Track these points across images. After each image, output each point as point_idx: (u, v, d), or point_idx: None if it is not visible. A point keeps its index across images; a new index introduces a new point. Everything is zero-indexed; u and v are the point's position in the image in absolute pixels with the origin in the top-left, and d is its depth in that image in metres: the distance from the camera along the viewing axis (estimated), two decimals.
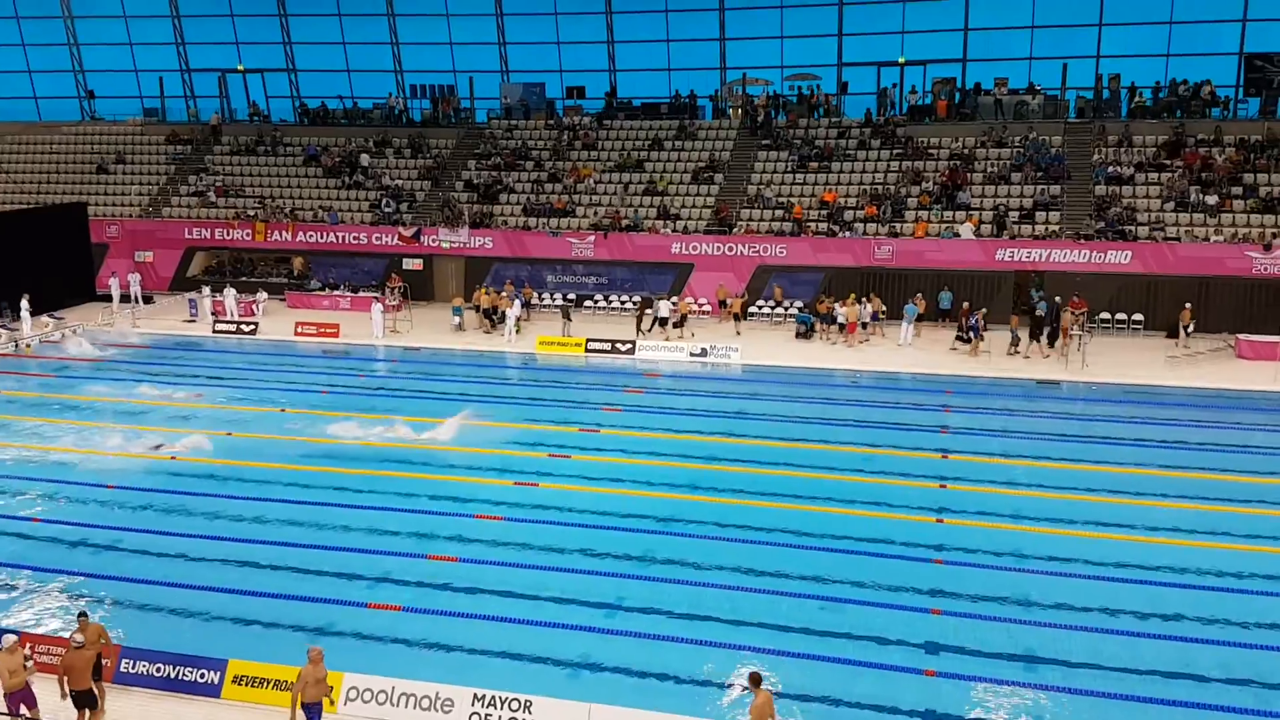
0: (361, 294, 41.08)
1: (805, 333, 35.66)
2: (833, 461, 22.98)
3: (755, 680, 12.21)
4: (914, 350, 33.59)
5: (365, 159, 46.67)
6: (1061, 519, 19.57)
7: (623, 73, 50.07)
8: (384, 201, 43.78)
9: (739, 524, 19.45)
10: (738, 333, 36.06)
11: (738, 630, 15.53)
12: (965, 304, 34.15)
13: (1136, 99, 41.52)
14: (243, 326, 37.57)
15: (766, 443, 24.47)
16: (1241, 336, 32.58)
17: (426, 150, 47.15)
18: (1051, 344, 32.55)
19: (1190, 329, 33.22)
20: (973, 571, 17.45)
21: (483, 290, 38.32)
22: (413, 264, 42.36)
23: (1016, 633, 15.40)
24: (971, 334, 32.89)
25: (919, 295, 35.18)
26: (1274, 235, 34.68)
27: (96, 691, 12.99)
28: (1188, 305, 33.47)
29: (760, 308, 38.45)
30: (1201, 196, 36.78)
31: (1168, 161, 38.61)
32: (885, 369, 31.69)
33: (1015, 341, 32.78)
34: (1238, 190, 36.88)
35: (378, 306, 36.73)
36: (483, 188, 44.10)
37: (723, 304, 38.84)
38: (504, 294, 38.01)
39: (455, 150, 47.03)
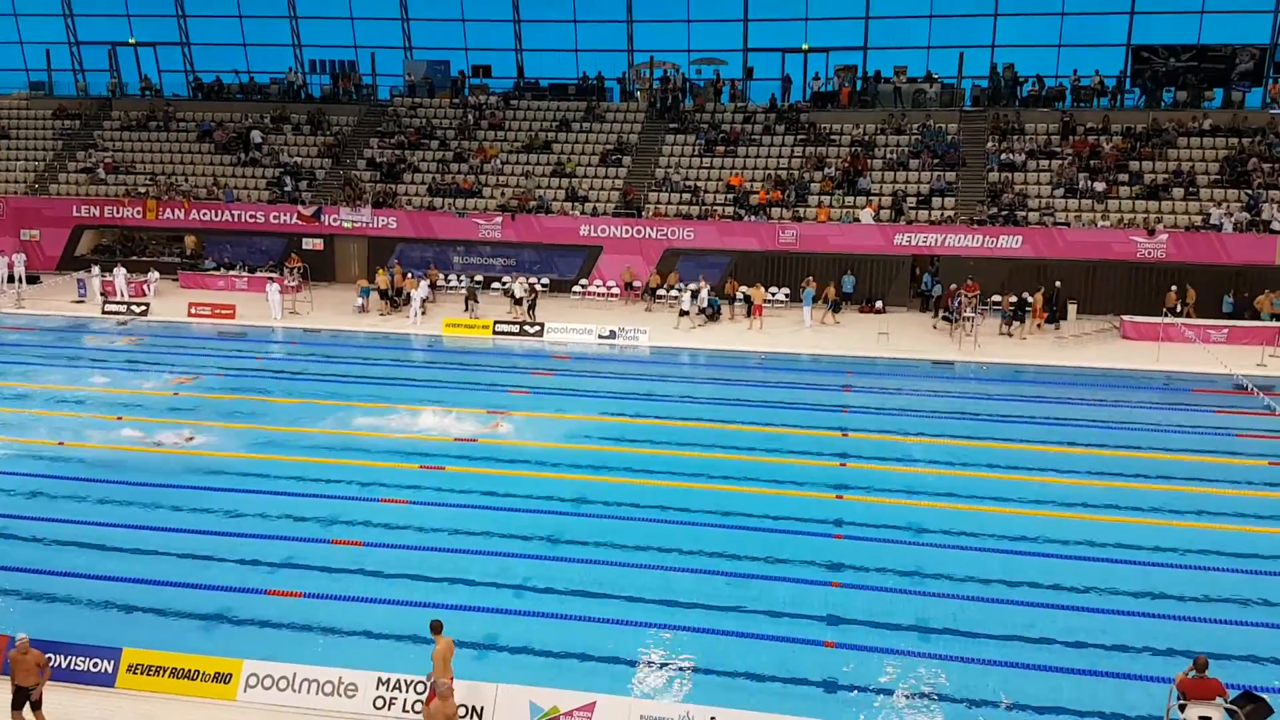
0: (258, 274, 40.11)
1: (713, 315, 36.03)
2: (737, 441, 23.33)
3: (436, 628, 12.61)
4: (813, 332, 34.26)
5: (256, 135, 45.43)
6: (955, 494, 20.20)
7: (529, 52, 49.69)
8: (285, 180, 42.73)
9: (646, 503, 19.61)
10: (648, 309, 36.24)
11: (644, 607, 15.69)
12: (952, 286, 34.93)
13: (1032, 88, 42.91)
14: (133, 307, 36.38)
15: (673, 423, 24.72)
16: (1126, 318, 34.04)
17: (327, 127, 46.15)
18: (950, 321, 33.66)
19: (1180, 309, 34.11)
20: (871, 545, 17.93)
21: (382, 271, 37.81)
22: (313, 244, 41.53)
23: (912, 603, 15.90)
24: (950, 315, 33.74)
25: (810, 278, 35.85)
26: (1157, 221, 36.26)
27: None
28: (1180, 288, 34.47)
29: (669, 290, 38.71)
30: (1090, 183, 38.23)
31: (1057, 149, 40.01)
32: (788, 350, 32.24)
33: (1008, 322, 33.72)
34: (1124, 177, 38.44)
35: (274, 287, 35.89)
36: (386, 166, 43.40)
37: (629, 286, 39.02)
38: (390, 272, 37.52)
39: (357, 128, 46.15)
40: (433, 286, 37.85)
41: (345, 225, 41.17)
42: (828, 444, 23.33)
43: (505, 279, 38.64)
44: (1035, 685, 13.68)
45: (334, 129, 46.11)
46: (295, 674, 13.29)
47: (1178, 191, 37.53)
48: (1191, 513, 19.35)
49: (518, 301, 36.10)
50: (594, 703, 12.48)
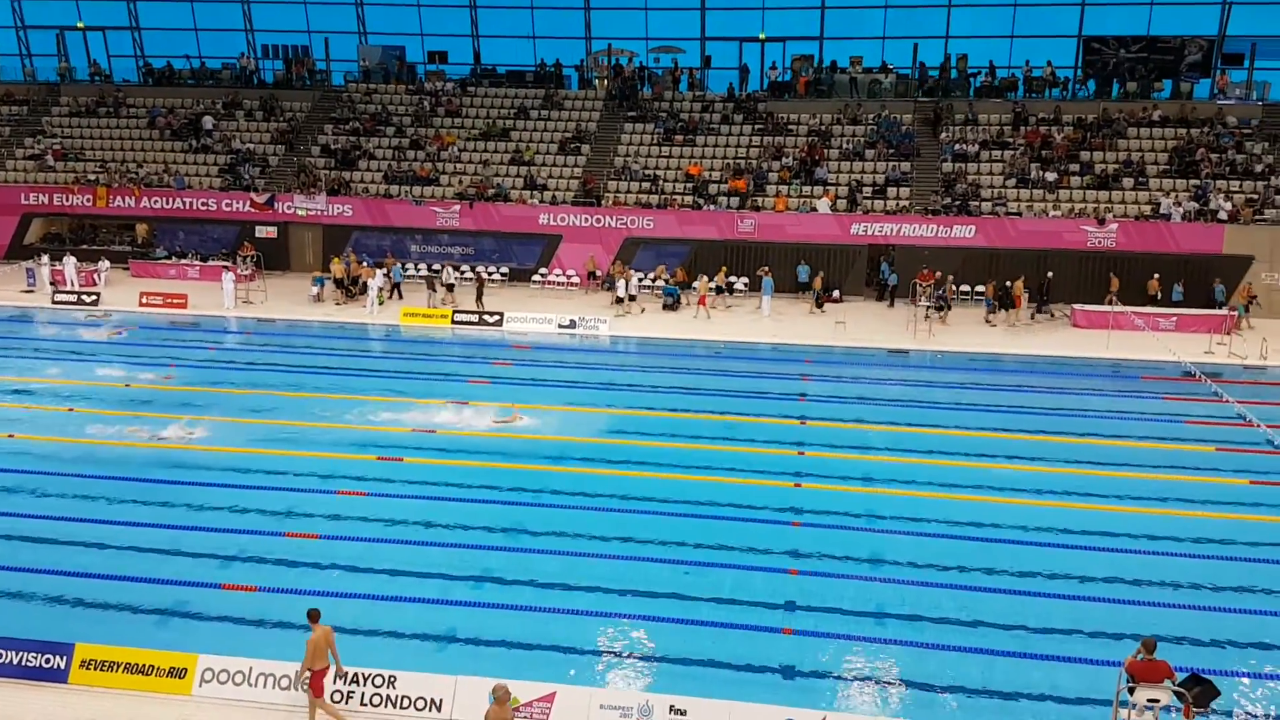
0: (211, 263, 39.56)
1: (672, 304, 36.10)
2: (697, 430, 23.42)
3: (313, 617, 12.56)
4: (772, 321, 34.45)
5: (208, 121, 44.77)
6: (911, 481, 20.46)
7: (486, 39, 49.33)
8: (246, 167, 42.13)
9: (605, 493, 19.64)
10: (625, 300, 36.06)
11: (605, 598, 15.73)
12: (938, 274, 35.19)
13: (984, 79, 43.34)
14: (84, 297, 35.74)
15: (633, 412, 24.77)
16: (1076, 306, 34.57)
17: (280, 113, 45.54)
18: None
19: (1159, 296, 34.90)
20: (828, 533, 18.11)
21: (336, 260, 37.43)
22: (266, 232, 40.98)
23: (869, 590, 16.10)
24: (942, 304, 34.11)
25: (766, 268, 36.11)
26: (1108, 210, 36.82)
27: None
28: (1155, 276, 35.09)
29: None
30: (1041, 173, 38.72)
31: (1010, 140, 40.48)
32: (747, 339, 32.38)
33: (992, 310, 34.28)
34: (1075, 167, 38.97)
35: (228, 276, 35.45)
36: (340, 153, 42.91)
37: (591, 275, 38.94)
38: (346, 261, 37.16)
39: (310, 114, 45.58)
40: (389, 275, 37.52)
41: (299, 213, 40.68)
42: (786, 432, 23.50)
43: (435, 266, 38.29)
44: (990, 669, 13.92)
45: (287, 115, 45.50)
46: (251, 668, 13.18)
47: (1127, 181, 38.14)
48: (1142, 498, 19.73)
49: (449, 289, 35.98)
50: (554, 693, 12.52)
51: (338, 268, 36.79)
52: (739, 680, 13.66)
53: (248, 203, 40.99)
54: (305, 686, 12.41)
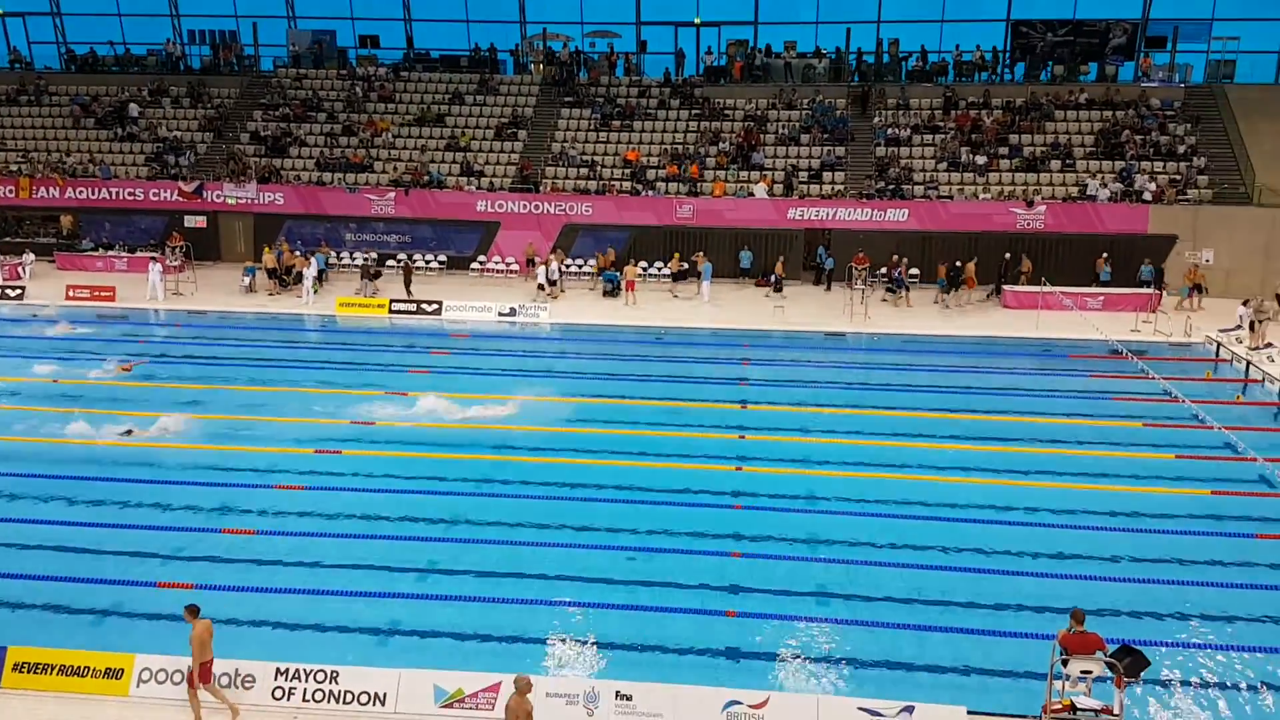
0: (139, 254, 38.66)
1: (612, 291, 36.09)
2: (639, 416, 23.44)
3: (193, 612, 12.59)
4: (712, 306, 34.61)
5: (134, 109, 43.66)
6: (850, 462, 20.70)
7: (419, 22, 48.68)
8: (174, 156, 41.14)
9: (548, 481, 19.62)
10: (546, 286, 35.88)
11: (550, 585, 15.74)
12: (894, 257, 35.48)
13: (916, 63, 43.85)
14: (7, 290, 34.72)
15: (575, 399, 24.74)
16: (1006, 287, 35.23)
17: (208, 100, 44.56)
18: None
19: (1103, 274, 35.62)
20: (769, 515, 18.29)
21: (268, 249, 36.76)
22: (195, 221, 40.12)
23: (810, 570, 16.31)
24: (898, 286, 34.37)
25: (701, 254, 36.32)
26: (1036, 193, 37.56)
27: None
28: (1104, 255, 35.68)
29: (568, 266, 38.53)
30: (971, 157, 39.35)
31: (941, 124, 41.04)
32: (689, 325, 32.50)
33: (944, 291, 34.81)
34: (1004, 150, 39.65)
35: (156, 267, 34.67)
36: (271, 140, 42.12)
37: (530, 262, 38.75)
38: (278, 251, 36.55)
39: (239, 100, 44.67)
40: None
41: (229, 202, 39.90)
42: (728, 416, 23.65)
43: (367, 254, 37.94)
44: (929, 645, 14.19)
45: (215, 102, 44.55)
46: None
47: (1055, 164, 38.91)
48: (1071, 474, 20.20)
49: (374, 277, 35.57)
50: (499, 683, 12.50)
51: (269, 257, 36.17)
52: (684, 664, 13.76)
53: (176, 192, 40.11)
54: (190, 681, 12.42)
